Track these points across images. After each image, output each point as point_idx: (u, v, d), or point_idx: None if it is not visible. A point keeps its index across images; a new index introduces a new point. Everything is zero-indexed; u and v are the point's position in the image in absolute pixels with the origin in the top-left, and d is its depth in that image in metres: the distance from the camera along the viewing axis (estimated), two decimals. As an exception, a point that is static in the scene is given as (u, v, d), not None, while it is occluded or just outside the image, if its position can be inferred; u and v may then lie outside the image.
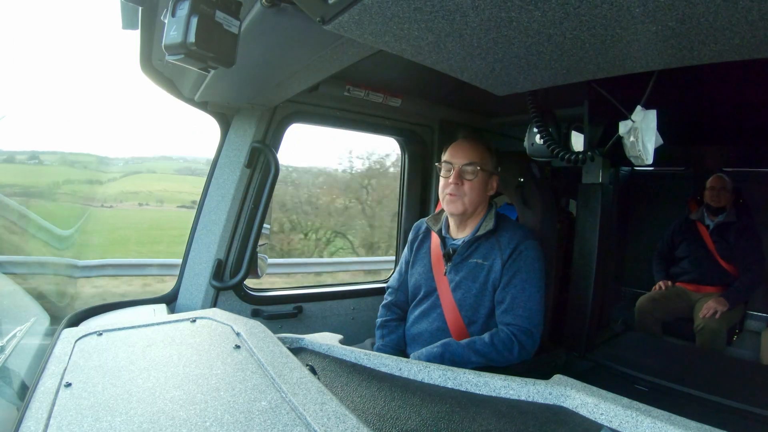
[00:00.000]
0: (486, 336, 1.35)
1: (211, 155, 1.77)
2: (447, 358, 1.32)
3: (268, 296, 1.87)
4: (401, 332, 1.56)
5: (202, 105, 1.64)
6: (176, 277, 1.77)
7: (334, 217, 8.09)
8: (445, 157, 1.50)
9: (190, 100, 1.59)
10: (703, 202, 2.72)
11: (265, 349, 0.90)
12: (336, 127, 1.98)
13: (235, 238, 1.74)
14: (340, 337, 1.18)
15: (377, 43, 0.85)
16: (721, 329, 2.34)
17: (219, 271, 1.71)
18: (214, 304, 1.73)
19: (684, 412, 0.74)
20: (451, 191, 1.44)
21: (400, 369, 0.98)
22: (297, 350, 1.10)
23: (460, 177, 1.44)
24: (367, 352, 1.05)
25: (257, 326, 1.03)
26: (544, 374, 0.94)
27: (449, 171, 1.46)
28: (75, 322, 1.40)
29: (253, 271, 1.77)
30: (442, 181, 1.49)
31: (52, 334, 1.16)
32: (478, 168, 1.44)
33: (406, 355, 1.47)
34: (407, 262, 1.64)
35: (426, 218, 1.63)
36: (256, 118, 1.70)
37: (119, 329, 1.02)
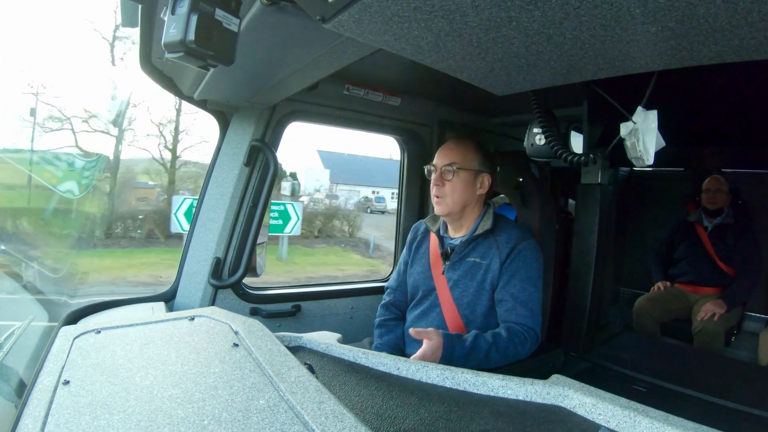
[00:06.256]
0: (502, 330, 1.35)
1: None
2: (477, 345, 1.29)
3: (266, 295, 1.87)
4: (399, 331, 1.56)
5: (202, 103, 1.64)
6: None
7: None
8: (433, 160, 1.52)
9: (189, 98, 1.59)
10: (700, 204, 2.72)
11: (263, 348, 0.90)
12: (335, 125, 1.97)
13: (234, 237, 1.74)
14: (338, 336, 1.18)
15: (377, 42, 0.85)
16: (719, 331, 2.34)
17: (217, 269, 1.71)
18: (213, 303, 1.72)
19: (682, 412, 0.75)
20: (435, 193, 1.47)
21: (398, 368, 0.98)
22: (295, 349, 1.10)
23: (442, 178, 1.46)
24: (366, 351, 1.04)
25: (255, 325, 1.03)
26: (543, 374, 0.94)
27: (432, 173, 1.49)
28: (73, 319, 1.40)
29: (251, 269, 1.77)
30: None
31: (50, 331, 1.16)
32: (457, 167, 1.45)
33: (405, 355, 1.47)
34: (406, 263, 1.64)
35: (425, 219, 1.64)
36: (255, 116, 1.69)
37: (117, 327, 1.01)
